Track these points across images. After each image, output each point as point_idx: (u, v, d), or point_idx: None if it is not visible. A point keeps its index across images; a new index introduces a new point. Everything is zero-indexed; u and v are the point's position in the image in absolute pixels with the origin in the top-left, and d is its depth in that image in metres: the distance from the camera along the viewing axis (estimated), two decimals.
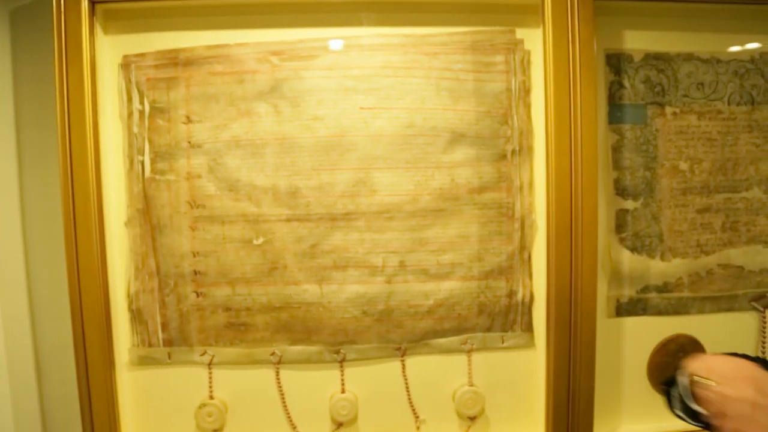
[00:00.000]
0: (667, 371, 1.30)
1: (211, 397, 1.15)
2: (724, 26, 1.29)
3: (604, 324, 1.25)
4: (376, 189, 1.13)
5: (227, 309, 1.14)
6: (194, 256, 1.13)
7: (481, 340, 1.19)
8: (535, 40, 1.18)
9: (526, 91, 1.17)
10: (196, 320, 1.14)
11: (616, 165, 1.23)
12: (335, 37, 1.14)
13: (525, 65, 1.17)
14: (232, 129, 1.12)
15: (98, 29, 1.11)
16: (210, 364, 1.15)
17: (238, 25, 1.15)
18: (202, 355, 1.15)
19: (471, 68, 1.16)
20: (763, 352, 1.33)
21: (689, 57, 1.26)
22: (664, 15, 1.25)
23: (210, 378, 1.15)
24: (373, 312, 1.15)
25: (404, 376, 1.18)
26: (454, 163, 1.14)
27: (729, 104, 1.28)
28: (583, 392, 1.15)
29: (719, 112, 1.27)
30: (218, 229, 1.12)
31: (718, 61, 1.27)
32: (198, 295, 1.13)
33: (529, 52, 1.18)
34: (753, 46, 1.29)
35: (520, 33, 1.19)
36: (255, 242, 1.13)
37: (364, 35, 1.13)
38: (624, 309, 1.26)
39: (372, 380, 1.17)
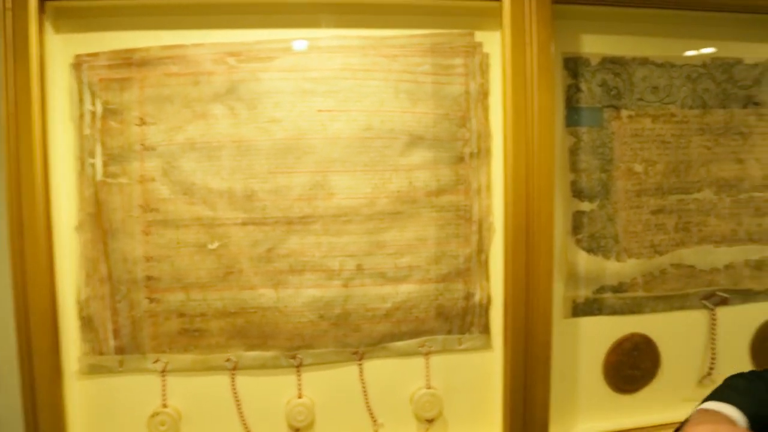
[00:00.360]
0: (621, 370, 1.32)
1: (165, 406, 1.13)
2: (678, 32, 1.32)
3: (561, 324, 1.27)
4: (334, 192, 1.12)
5: (181, 315, 1.12)
6: (147, 261, 1.10)
7: (439, 343, 1.19)
8: (494, 44, 1.19)
9: (485, 93, 1.18)
10: (149, 327, 1.12)
11: (573, 167, 1.25)
12: (294, 39, 1.13)
13: (484, 68, 1.18)
14: (187, 131, 1.10)
15: (48, 27, 1.07)
16: (163, 372, 1.13)
17: (194, 25, 1.13)
18: (155, 362, 1.13)
19: (430, 71, 1.16)
20: (713, 349, 1.37)
21: (644, 61, 1.29)
22: (620, 20, 1.27)
23: (163, 386, 1.14)
24: (330, 316, 1.14)
25: (362, 380, 1.18)
26: (411, 166, 1.14)
27: (682, 108, 1.31)
28: (539, 392, 1.16)
29: (672, 115, 1.30)
30: (172, 234, 1.10)
31: (672, 65, 1.30)
32: (151, 301, 1.11)
33: (488, 55, 1.19)
34: (705, 51, 1.32)
35: (480, 36, 1.20)
36: (210, 246, 1.11)
37: (323, 37, 1.13)
38: (580, 309, 1.28)
39: (329, 385, 1.17)
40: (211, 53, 1.12)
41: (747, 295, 1.40)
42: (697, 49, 1.33)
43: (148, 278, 1.12)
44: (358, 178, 1.13)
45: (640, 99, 1.29)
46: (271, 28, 1.14)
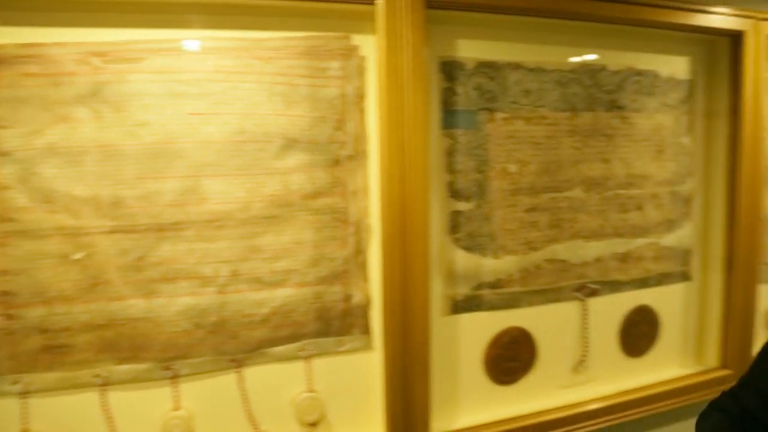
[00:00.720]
0: (501, 363, 1.38)
1: (26, 430, 1.06)
2: (548, 39, 1.39)
3: (441, 322, 1.31)
4: (206, 197, 1.10)
5: (43, 331, 1.06)
6: (3, 275, 1.03)
7: (319, 346, 1.20)
8: (370, 47, 1.20)
9: (361, 96, 1.19)
10: (7, 346, 1.05)
11: (450, 168, 1.28)
12: (164, 39, 1.08)
13: (360, 71, 1.19)
14: (47, 136, 1.04)
15: None
16: (24, 394, 1.07)
17: (55, 22, 1.07)
18: (13, 384, 1.06)
19: (306, 73, 1.16)
20: (586, 338, 1.45)
21: (517, 66, 1.34)
22: (494, 26, 1.32)
23: (24, 409, 1.07)
24: (206, 324, 1.12)
25: (242, 388, 1.16)
26: (287, 169, 1.14)
27: (553, 110, 1.37)
28: (418, 391, 1.19)
29: (544, 117, 1.36)
30: (31, 245, 1.04)
31: (543, 70, 1.36)
32: (8, 318, 1.05)
33: (364, 59, 1.20)
34: (574, 58, 1.39)
35: (357, 39, 1.21)
36: (74, 257, 1.06)
37: (194, 38, 1.10)
38: (459, 306, 1.32)
39: (208, 395, 1.15)
40: (74, 53, 1.06)
41: (614, 286, 1.50)
42: (566, 55, 1.41)
43: (5, 293, 1.05)
44: (231, 182, 1.12)
45: (514, 102, 1.35)
46: (139, 28, 1.09)
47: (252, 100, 1.14)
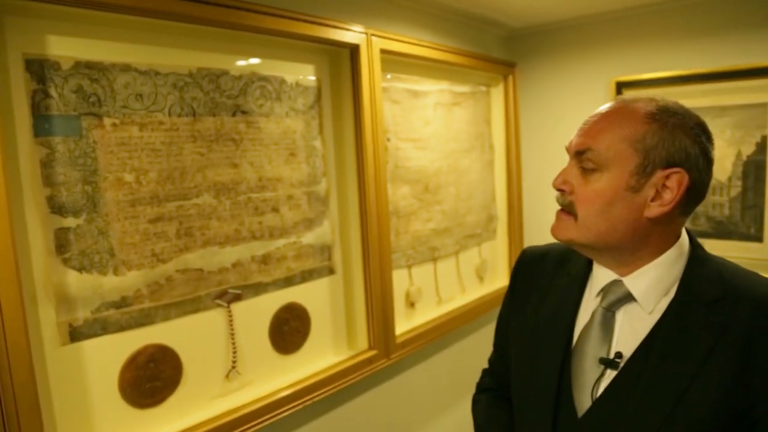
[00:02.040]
0: (140, 385, 1.29)
1: None
2: (162, 40, 1.34)
3: (58, 353, 1.18)
4: None
5: None
6: None
7: None
8: None
9: None
10: None
11: (49, 181, 1.15)
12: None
13: None
14: None
15: None
16: None
17: None
18: None
19: None
20: (234, 343, 1.45)
21: (126, 68, 1.27)
22: (94, 23, 1.23)
23: None
24: None
25: None
26: None
27: (170, 115, 1.34)
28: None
29: (161, 123, 1.32)
30: None
31: (157, 73, 1.31)
32: None
33: None
34: (192, 62, 1.37)
35: None
36: None
37: None
38: (80, 333, 1.21)
39: None
40: None
41: (258, 288, 1.54)
42: (182, 58, 1.38)
43: None
44: None
45: (125, 107, 1.27)
46: None
47: None
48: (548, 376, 0.94)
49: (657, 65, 2.29)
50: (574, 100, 2.52)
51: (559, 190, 0.92)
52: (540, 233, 2.70)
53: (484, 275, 2.50)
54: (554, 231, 0.94)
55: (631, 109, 0.87)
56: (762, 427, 0.81)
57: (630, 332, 0.90)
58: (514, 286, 1.13)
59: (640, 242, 0.89)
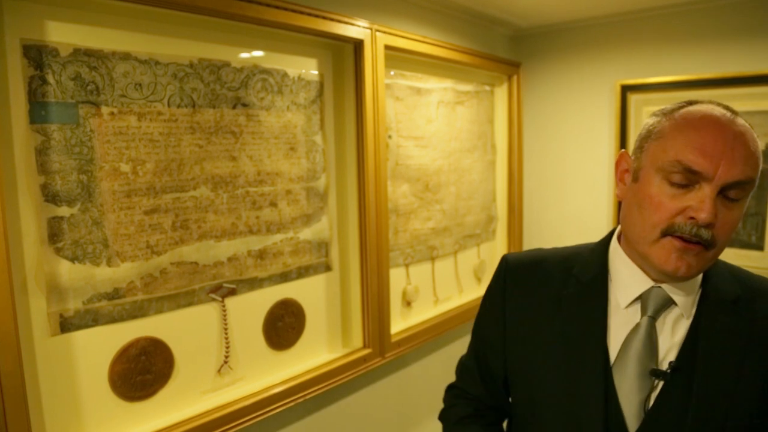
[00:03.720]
0: (131, 378, 1.28)
1: None
2: (163, 30, 1.32)
3: (48, 344, 1.17)
4: None
5: None
6: None
7: None
8: None
9: None
10: None
11: (43, 169, 1.14)
12: None
13: None
14: None
15: None
16: None
17: None
18: None
19: None
20: (227, 338, 1.44)
21: (126, 56, 1.26)
22: (95, 10, 1.22)
23: None
24: None
25: None
26: None
27: (170, 106, 1.32)
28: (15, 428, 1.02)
29: (160, 113, 1.30)
30: None
31: (157, 63, 1.30)
32: None
33: None
34: (193, 52, 1.35)
35: None
36: None
37: None
38: (71, 324, 1.19)
39: None
40: None
41: (253, 283, 1.52)
42: (183, 48, 1.36)
43: None
44: None
45: (124, 96, 1.26)
46: None
47: None
48: (592, 395, 0.87)
49: (663, 69, 2.28)
50: (578, 102, 2.50)
51: (706, 226, 0.78)
52: (540, 235, 2.68)
53: (482, 276, 2.49)
54: (688, 270, 0.81)
55: (747, 126, 0.80)
56: None
57: (671, 339, 0.88)
58: (504, 297, 1.05)
59: None
